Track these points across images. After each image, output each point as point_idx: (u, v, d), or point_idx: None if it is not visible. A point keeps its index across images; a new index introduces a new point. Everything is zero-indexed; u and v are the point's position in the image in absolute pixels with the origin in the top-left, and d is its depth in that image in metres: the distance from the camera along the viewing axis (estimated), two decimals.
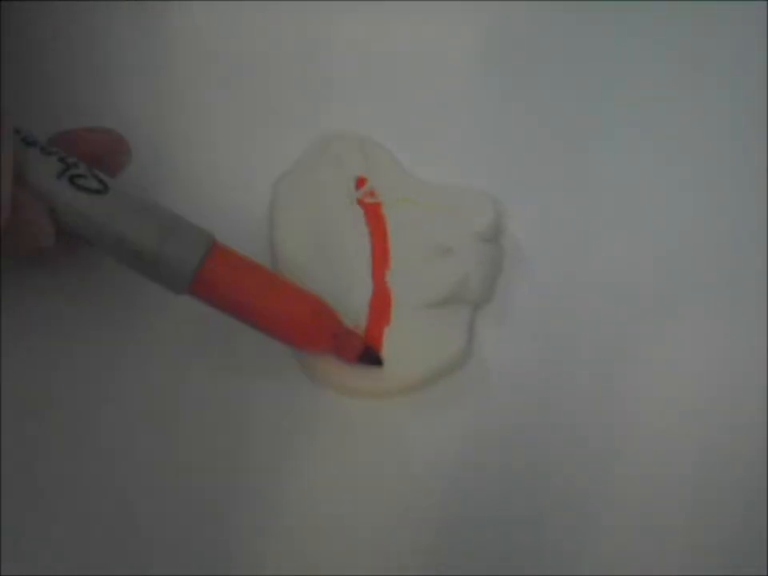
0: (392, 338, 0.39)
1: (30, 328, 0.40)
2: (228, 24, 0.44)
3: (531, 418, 0.39)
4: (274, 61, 0.44)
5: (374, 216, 0.41)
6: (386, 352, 0.39)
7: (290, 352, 0.40)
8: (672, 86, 0.44)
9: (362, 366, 0.38)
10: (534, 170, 0.43)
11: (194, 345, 0.40)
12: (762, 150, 0.43)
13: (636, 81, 0.44)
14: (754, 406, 0.40)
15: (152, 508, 0.38)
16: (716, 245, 0.42)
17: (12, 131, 0.34)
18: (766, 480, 0.39)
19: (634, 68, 0.44)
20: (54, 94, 0.42)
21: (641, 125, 0.43)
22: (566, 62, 0.44)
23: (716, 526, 0.38)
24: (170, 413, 0.39)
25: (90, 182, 0.35)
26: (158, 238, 0.35)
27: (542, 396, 0.40)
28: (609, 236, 0.42)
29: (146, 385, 0.39)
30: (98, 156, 0.37)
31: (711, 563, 0.38)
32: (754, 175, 0.43)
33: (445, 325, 0.39)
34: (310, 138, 0.42)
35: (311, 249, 0.41)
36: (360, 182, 0.41)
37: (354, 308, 0.39)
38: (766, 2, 0.45)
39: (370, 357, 0.38)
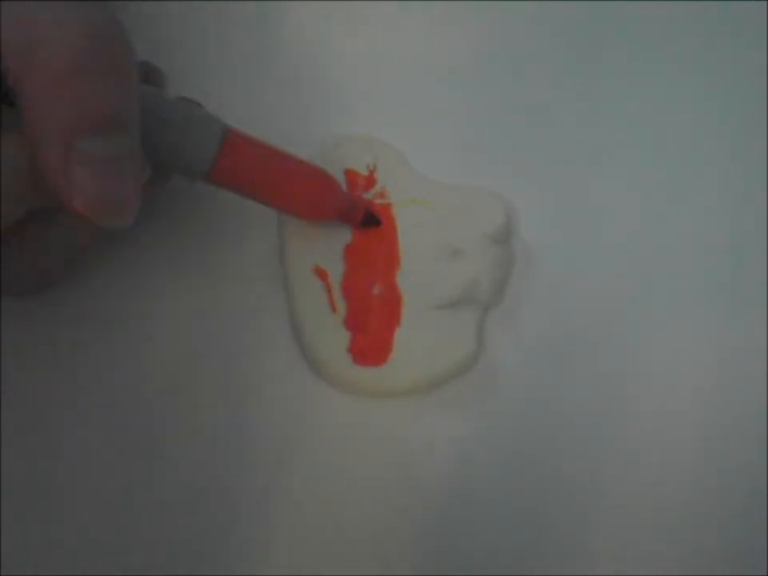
0: (402, 338, 0.39)
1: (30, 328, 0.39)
2: (232, 25, 0.44)
3: (540, 420, 0.40)
4: (282, 60, 0.44)
5: (384, 217, 0.40)
6: (396, 353, 0.39)
7: (298, 352, 0.40)
8: (672, 86, 0.44)
9: (364, 228, 0.40)
10: (544, 172, 0.43)
11: (197, 340, 0.40)
12: (762, 149, 0.43)
13: (636, 81, 0.44)
14: (755, 405, 0.40)
15: (152, 508, 0.38)
16: (717, 243, 0.42)
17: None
18: (766, 480, 0.39)
19: (634, 68, 0.44)
20: None
21: (649, 125, 0.43)
22: (572, 61, 0.44)
23: (718, 527, 0.39)
24: (170, 413, 0.39)
25: None
26: (183, 117, 0.36)
27: (551, 398, 0.40)
28: (618, 238, 0.42)
29: (146, 384, 0.39)
30: None
31: (713, 562, 0.38)
32: (756, 175, 0.43)
33: (454, 326, 0.39)
34: (319, 139, 0.42)
35: (321, 249, 0.40)
36: (370, 183, 0.41)
37: None
38: (766, 2, 0.45)
39: (371, 219, 0.40)
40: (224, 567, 0.37)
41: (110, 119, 0.31)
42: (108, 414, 0.39)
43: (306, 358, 0.40)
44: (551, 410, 0.40)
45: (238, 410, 0.39)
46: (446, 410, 0.39)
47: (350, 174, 0.41)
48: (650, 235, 0.42)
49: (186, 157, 0.36)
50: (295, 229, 0.40)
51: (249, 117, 0.41)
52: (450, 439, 0.39)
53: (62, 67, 0.30)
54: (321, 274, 0.40)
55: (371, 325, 0.39)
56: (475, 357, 0.40)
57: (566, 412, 0.40)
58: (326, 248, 0.40)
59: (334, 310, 0.40)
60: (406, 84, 0.44)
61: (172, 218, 0.41)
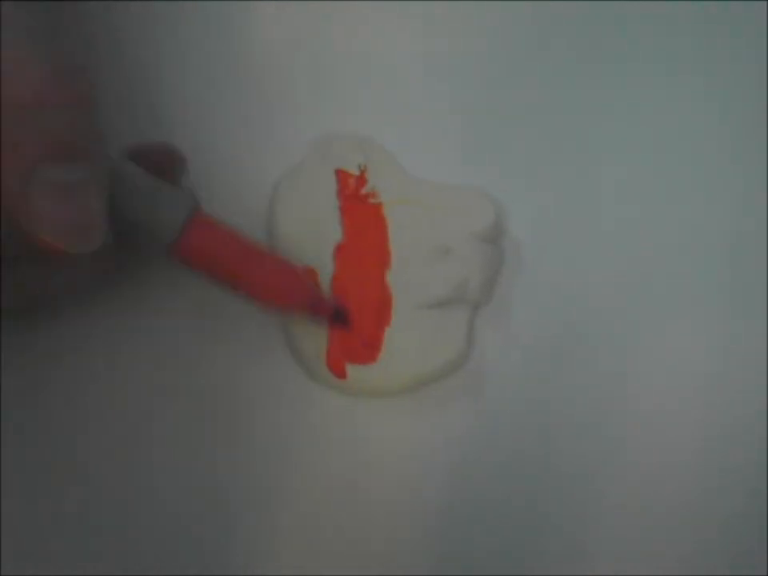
0: (392, 338, 0.39)
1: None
2: (228, 24, 0.44)
3: (530, 419, 0.40)
4: (275, 61, 0.44)
5: (374, 217, 0.40)
6: (386, 352, 0.39)
7: (290, 353, 0.40)
8: (672, 86, 0.44)
9: (333, 326, 0.39)
10: (534, 171, 0.43)
11: (194, 345, 0.40)
12: (762, 149, 0.43)
13: (636, 81, 0.44)
14: (755, 405, 0.40)
15: (151, 508, 0.38)
16: (717, 243, 0.42)
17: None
18: (766, 480, 0.39)
19: (634, 68, 0.44)
20: None
21: (641, 124, 0.43)
22: (567, 61, 0.44)
23: (718, 527, 0.39)
24: (170, 413, 0.39)
25: None
26: (148, 197, 0.36)
27: (542, 396, 0.40)
28: (609, 237, 0.42)
29: (146, 385, 0.40)
30: (159, 171, 0.37)
31: (713, 562, 0.38)
32: (756, 175, 0.42)
33: (445, 325, 0.40)
34: (310, 138, 0.42)
35: (312, 249, 0.41)
36: (360, 183, 0.41)
37: None
38: (766, 2, 0.45)
39: (340, 316, 0.39)
40: (223, 567, 0.38)
41: (71, 147, 0.32)
42: (105, 416, 0.39)
43: (295, 358, 0.40)
44: (541, 409, 0.40)
45: (231, 412, 0.39)
46: (436, 409, 0.40)
47: (340, 174, 0.41)
48: (643, 234, 0.42)
49: (149, 231, 0.36)
50: (284, 229, 0.41)
51: (241, 116, 0.41)
52: (440, 438, 0.39)
53: (25, 101, 0.31)
54: (310, 274, 0.40)
55: (361, 324, 0.39)
56: (465, 356, 0.40)
57: (557, 410, 0.40)
58: (315, 248, 0.41)
59: None
60: (397, 84, 0.44)
61: None
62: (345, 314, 0.39)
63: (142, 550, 0.38)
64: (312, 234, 0.41)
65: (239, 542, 0.38)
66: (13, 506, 0.37)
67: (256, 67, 0.43)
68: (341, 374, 0.39)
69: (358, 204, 0.41)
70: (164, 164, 0.38)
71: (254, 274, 0.38)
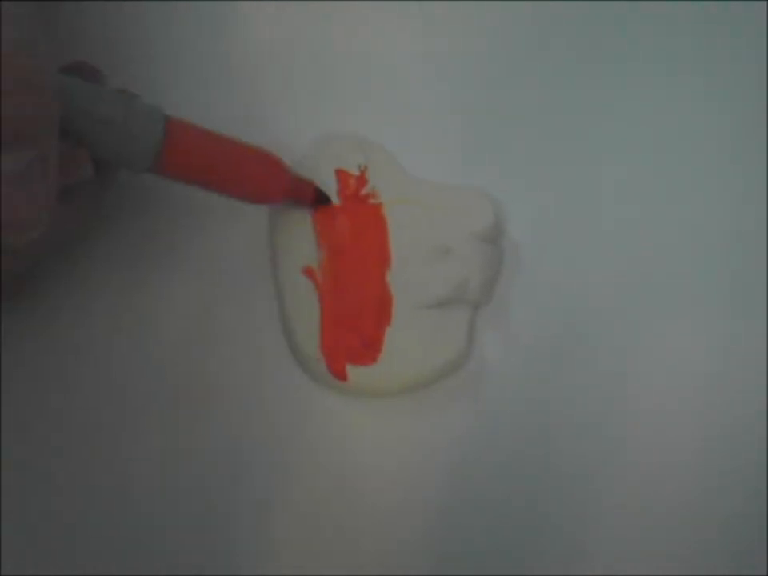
0: (392, 338, 0.39)
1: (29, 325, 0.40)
2: (227, 24, 0.44)
3: (530, 419, 0.40)
4: (275, 61, 0.44)
5: (374, 217, 0.40)
6: (386, 352, 0.39)
7: (291, 353, 0.40)
8: (672, 86, 0.44)
9: (317, 208, 0.40)
10: (534, 171, 0.43)
11: (194, 345, 0.40)
12: (762, 149, 0.43)
13: (636, 81, 0.44)
14: (755, 405, 0.40)
15: (150, 508, 0.38)
16: (717, 243, 0.42)
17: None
18: (766, 480, 0.39)
19: (634, 68, 0.44)
20: None
21: (641, 124, 0.43)
22: (566, 62, 0.44)
23: (718, 527, 0.39)
24: (170, 413, 0.39)
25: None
26: (121, 111, 0.35)
27: (542, 396, 0.40)
28: (609, 237, 0.42)
29: (147, 386, 0.40)
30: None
31: (713, 562, 0.38)
32: (756, 175, 0.42)
33: (445, 325, 0.40)
34: (310, 138, 0.42)
35: (312, 248, 0.41)
36: (361, 183, 0.41)
37: None
38: (766, 2, 0.45)
39: (321, 197, 0.40)
40: (223, 567, 0.38)
41: (16, 134, 0.31)
42: (105, 417, 0.39)
43: (296, 358, 0.40)
44: (541, 409, 0.40)
45: (231, 412, 0.39)
46: (436, 409, 0.40)
47: (341, 174, 0.41)
48: (643, 234, 0.42)
49: (128, 151, 0.36)
50: (285, 228, 0.41)
51: (240, 115, 0.41)
52: (440, 438, 0.39)
53: None
54: (310, 273, 0.40)
55: (361, 324, 0.39)
56: (465, 356, 0.40)
57: (557, 410, 0.40)
58: (315, 248, 0.40)
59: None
60: (397, 84, 0.44)
61: (159, 219, 0.41)
62: (325, 195, 0.40)
63: (141, 550, 0.38)
64: (311, 235, 0.41)
65: (239, 542, 0.38)
66: (13, 505, 0.37)
67: (256, 67, 0.43)
68: (341, 376, 0.39)
69: (358, 204, 0.41)
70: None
71: (238, 170, 0.38)
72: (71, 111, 0.34)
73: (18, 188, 0.31)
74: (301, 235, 0.41)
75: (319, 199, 0.40)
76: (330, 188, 0.41)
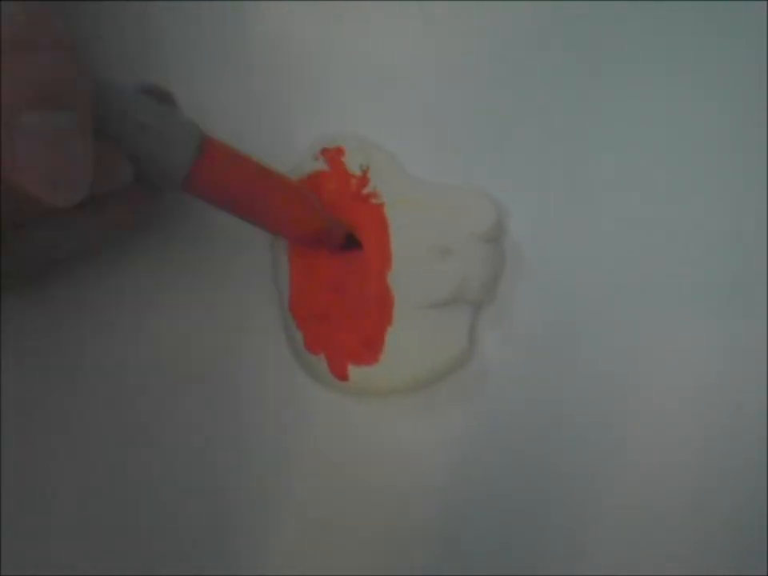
0: (393, 338, 0.39)
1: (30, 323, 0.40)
2: (226, 24, 0.44)
3: (532, 419, 0.40)
4: (274, 60, 0.44)
5: (376, 217, 0.41)
6: (387, 352, 0.39)
7: (291, 353, 0.40)
8: (673, 86, 0.44)
9: (345, 251, 0.39)
10: (534, 171, 0.42)
11: (194, 345, 0.40)
12: (762, 150, 0.43)
13: (637, 81, 0.44)
14: (755, 405, 0.40)
15: (150, 508, 0.39)
16: (717, 243, 0.42)
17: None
18: (766, 480, 0.39)
19: (635, 68, 0.44)
20: None
21: (641, 124, 0.43)
22: (566, 61, 0.44)
23: (718, 527, 0.39)
24: (170, 414, 0.39)
25: None
26: (162, 120, 0.35)
27: (543, 396, 0.40)
28: (610, 236, 0.42)
29: (146, 385, 0.40)
30: None
31: (713, 562, 0.38)
32: (756, 174, 0.42)
33: (446, 325, 0.40)
34: (310, 138, 0.42)
35: None
36: (362, 183, 0.41)
37: None
38: (766, 2, 0.45)
39: (352, 241, 0.40)
40: (223, 567, 0.38)
41: (54, 94, 0.31)
42: (104, 418, 0.39)
43: (296, 358, 0.40)
44: (544, 409, 0.40)
45: (231, 412, 0.39)
46: (436, 409, 0.40)
47: (341, 174, 0.41)
48: (643, 234, 0.42)
49: (161, 163, 0.35)
50: None
51: (240, 116, 0.41)
52: (443, 438, 0.39)
53: (3, 40, 0.30)
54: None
55: (362, 325, 0.39)
56: (467, 356, 0.40)
57: (559, 410, 0.40)
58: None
59: None
60: (397, 84, 0.44)
61: (160, 221, 0.42)
62: (355, 238, 0.40)
63: (141, 550, 0.38)
64: None
65: (239, 542, 0.38)
66: (13, 505, 0.37)
67: (255, 67, 0.43)
68: (343, 376, 0.39)
69: (359, 204, 0.41)
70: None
71: (269, 202, 0.37)
72: (108, 113, 0.34)
73: (55, 148, 0.31)
74: None
75: (349, 243, 0.40)
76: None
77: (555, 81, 0.44)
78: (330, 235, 0.39)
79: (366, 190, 0.41)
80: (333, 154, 0.41)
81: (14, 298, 0.39)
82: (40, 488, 0.38)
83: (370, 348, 0.39)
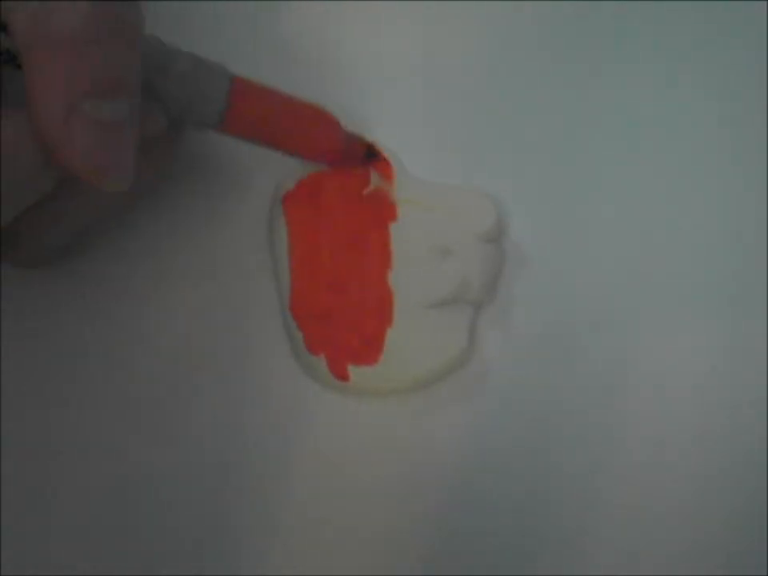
0: (394, 338, 0.39)
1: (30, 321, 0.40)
2: (226, 24, 0.44)
3: (532, 419, 0.40)
4: (274, 61, 0.44)
5: (376, 217, 0.41)
6: (387, 352, 0.39)
7: (291, 353, 0.40)
8: (673, 87, 0.44)
9: (367, 164, 0.40)
10: (536, 171, 0.43)
11: (194, 345, 0.40)
12: (762, 150, 0.43)
13: (638, 82, 0.44)
14: (755, 405, 0.40)
15: (150, 508, 0.38)
16: (717, 244, 0.42)
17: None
18: (766, 480, 0.39)
19: (635, 68, 0.44)
20: None
21: (641, 124, 0.43)
22: (568, 62, 0.44)
23: (718, 527, 0.39)
24: (169, 414, 0.39)
25: None
26: (196, 68, 0.36)
27: (544, 396, 0.40)
28: (610, 237, 0.42)
29: (146, 385, 0.40)
30: None
31: (713, 562, 0.38)
32: (756, 175, 0.42)
33: (446, 325, 0.40)
34: None
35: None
36: (363, 183, 0.41)
37: None
38: (766, 2, 0.45)
39: (373, 153, 0.41)
40: (223, 567, 0.38)
41: (115, 83, 0.32)
42: (104, 419, 0.39)
43: (296, 358, 0.40)
44: (544, 408, 0.40)
45: (233, 411, 0.39)
46: (437, 408, 0.40)
47: (342, 174, 0.41)
48: (643, 234, 0.42)
49: (199, 107, 0.36)
50: (284, 227, 0.41)
51: None
52: (443, 438, 0.39)
53: (69, 33, 0.31)
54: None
55: (362, 324, 0.39)
56: (467, 356, 0.40)
57: (559, 410, 0.40)
58: None
59: None
60: (397, 84, 0.44)
61: (159, 218, 0.42)
62: (376, 149, 0.41)
63: (141, 550, 0.38)
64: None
65: (239, 542, 0.38)
66: (13, 505, 0.37)
67: (255, 67, 0.43)
68: (343, 377, 0.39)
69: (359, 204, 0.41)
70: None
71: (296, 126, 0.39)
72: (148, 67, 0.35)
73: (111, 135, 0.32)
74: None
75: (370, 155, 0.41)
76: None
77: (555, 81, 0.44)
78: (352, 149, 0.40)
79: (366, 190, 0.41)
80: None
81: (14, 286, 0.39)
82: (40, 488, 0.38)
83: (370, 348, 0.39)
